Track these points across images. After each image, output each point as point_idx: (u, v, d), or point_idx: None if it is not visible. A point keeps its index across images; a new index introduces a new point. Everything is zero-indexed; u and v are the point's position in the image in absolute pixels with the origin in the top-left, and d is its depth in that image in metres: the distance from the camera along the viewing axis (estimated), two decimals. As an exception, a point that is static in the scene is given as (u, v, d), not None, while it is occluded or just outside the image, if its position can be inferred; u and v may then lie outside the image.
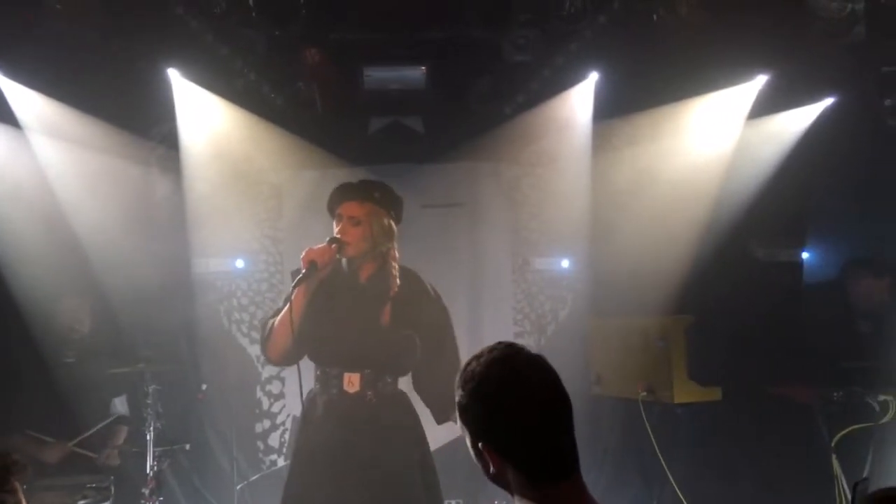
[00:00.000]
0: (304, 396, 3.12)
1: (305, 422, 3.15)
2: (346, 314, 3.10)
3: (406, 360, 3.15)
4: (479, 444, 1.65)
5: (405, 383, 3.29)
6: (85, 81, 4.70)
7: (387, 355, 3.10)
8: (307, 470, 3.09)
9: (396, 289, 3.11)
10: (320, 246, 3.03)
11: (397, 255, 3.16)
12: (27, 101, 4.73)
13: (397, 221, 3.20)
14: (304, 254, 2.99)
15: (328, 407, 3.09)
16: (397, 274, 3.13)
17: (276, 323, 3.07)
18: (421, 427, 3.23)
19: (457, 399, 1.71)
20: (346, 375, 3.08)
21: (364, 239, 3.09)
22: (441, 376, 3.14)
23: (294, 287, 2.95)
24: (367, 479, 2.98)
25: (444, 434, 4.00)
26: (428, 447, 3.25)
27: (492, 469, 1.65)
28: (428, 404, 3.25)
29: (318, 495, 2.98)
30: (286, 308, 3.00)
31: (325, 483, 2.99)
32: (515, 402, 1.63)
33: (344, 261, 3.16)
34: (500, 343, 1.72)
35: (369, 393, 3.07)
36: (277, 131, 5.27)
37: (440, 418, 3.20)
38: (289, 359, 3.12)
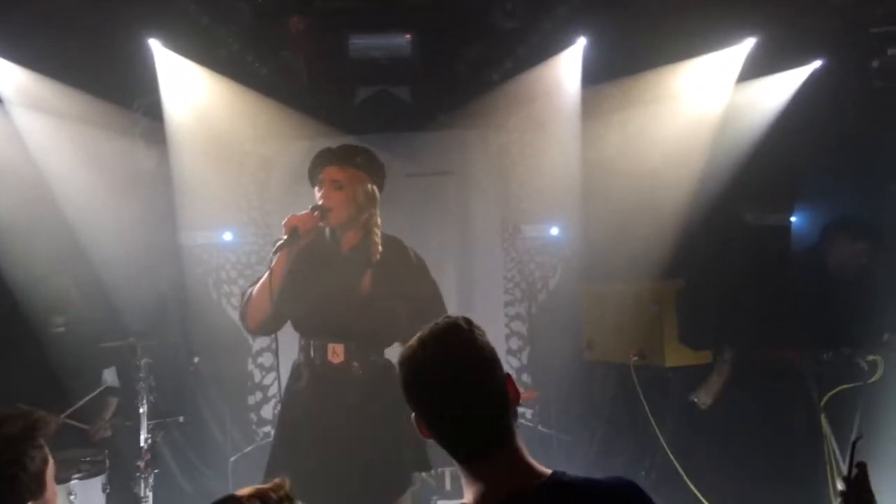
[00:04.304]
0: (290, 367, 3.09)
1: (290, 392, 3.11)
2: (329, 284, 3.04)
3: (389, 331, 3.09)
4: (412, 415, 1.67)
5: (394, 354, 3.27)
6: (65, 53, 4.61)
7: (370, 326, 3.04)
8: (292, 440, 3.06)
9: (378, 256, 3.06)
10: (303, 213, 2.97)
11: (380, 221, 3.11)
12: (6, 74, 4.65)
13: (380, 187, 3.13)
14: (285, 220, 2.93)
15: (313, 377, 3.06)
16: (379, 241, 3.07)
17: (255, 291, 3.02)
18: None
19: None
20: (331, 346, 3.03)
21: (347, 204, 3.02)
22: None
23: (274, 253, 2.91)
24: (353, 448, 2.96)
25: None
26: None
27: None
28: None
29: (303, 465, 2.93)
30: (266, 275, 2.95)
31: (310, 453, 2.97)
32: (417, 379, 1.64)
33: (327, 230, 3.10)
34: (442, 318, 1.71)
35: (355, 363, 3.02)
36: (263, 102, 5.21)
37: None
38: (267, 327, 3.09)
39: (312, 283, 3.05)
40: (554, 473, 1.59)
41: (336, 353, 3.03)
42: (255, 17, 4.77)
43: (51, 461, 2.07)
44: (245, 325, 3.15)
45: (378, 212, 3.11)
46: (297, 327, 3.15)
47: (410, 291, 3.09)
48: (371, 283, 3.04)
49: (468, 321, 1.69)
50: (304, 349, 3.12)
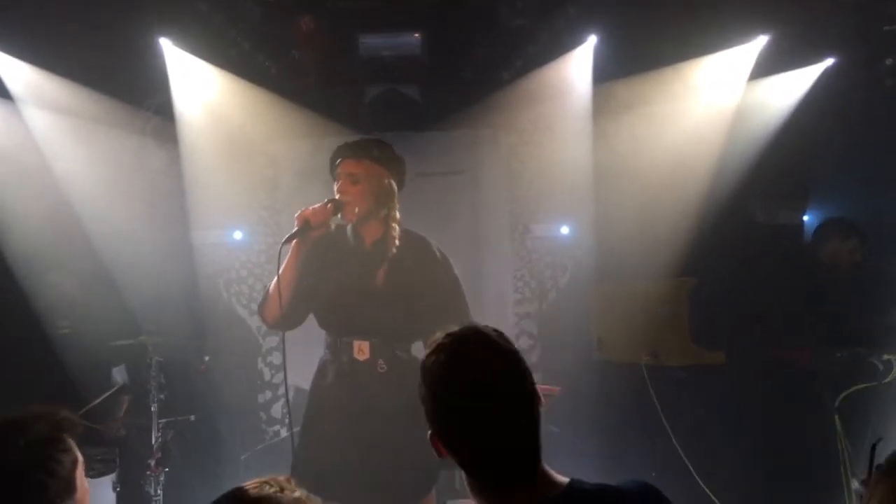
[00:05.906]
0: (317, 365, 3.09)
1: (316, 389, 3.12)
2: (351, 280, 3.05)
3: (410, 328, 3.09)
4: (429, 431, 1.54)
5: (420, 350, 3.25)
6: (75, 51, 4.61)
7: (391, 322, 3.04)
8: (318, 437, 3.07)
9: (394, 251, 3.06)
10: (316, 206, 2.97)
11: (398, 216, 3.09)
12: (18, 72, 4.66)
13: (399, 182, 3.12)
14: (298, 213, 2.94)
15: (339, 374, 3.06)
16: (396, 236, 3.06)
17: (272, 286, 3.03)
18: None
19: None
20: (356, 343, 3.03)
21: (363, 198, 3.01)
22: None
23: (283, 244, 2.90)
24: (380, 446, 2.96)
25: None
26: None
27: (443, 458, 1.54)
28: None
29: (329, 462, 2.96)
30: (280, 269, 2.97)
31: (337, 450, 2.98)
32: (451, 388, 1.50)
33: (349, 227, 3.11)
34: (466, 327, 1.60)
35: (380, 360, 3.02)
36: (273, 100, 5.20)
37: None
38: (284, 322, 3.05)
39: (335, 278, 3.05)
40: (571, 482, 1.52)
41: (361, 350, 3.03)
42: (266, 17, 4.77)
43: (80, 461, 2.00)
44: (263, 319, 3.14)
45: (397, 206, 3.09)
46: (322, 324, 3.15)
47: (430, 288, 3.08)
48: (384, 277, 3.04)
49: (492, 329, 1.59)
50: (330, 346, 3.12)
